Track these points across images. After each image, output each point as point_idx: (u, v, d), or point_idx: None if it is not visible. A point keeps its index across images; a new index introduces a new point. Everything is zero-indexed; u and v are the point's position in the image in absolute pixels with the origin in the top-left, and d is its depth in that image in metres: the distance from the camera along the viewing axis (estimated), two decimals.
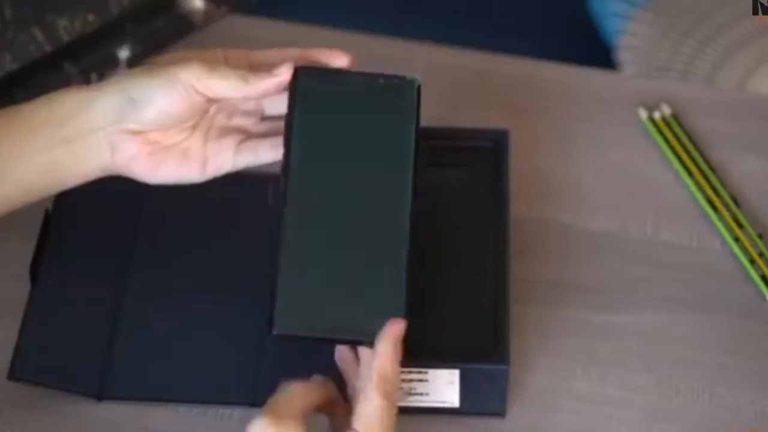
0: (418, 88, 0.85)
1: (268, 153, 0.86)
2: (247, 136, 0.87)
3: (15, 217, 0.91)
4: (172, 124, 0.84)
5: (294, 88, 0.84)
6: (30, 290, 0.95)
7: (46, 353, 0.92)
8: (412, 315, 0.81)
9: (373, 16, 1.58)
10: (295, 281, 0.82)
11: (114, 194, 0.99)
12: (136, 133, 0.84)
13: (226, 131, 0.87)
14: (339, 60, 0.86)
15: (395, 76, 0.85)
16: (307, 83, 0.84)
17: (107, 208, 1.00)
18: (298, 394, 0.79)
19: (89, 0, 1.08)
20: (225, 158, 0.87)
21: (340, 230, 0.83)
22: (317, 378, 0.83)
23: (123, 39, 1.11)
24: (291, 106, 0.84)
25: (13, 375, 0.91)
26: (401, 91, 0.85)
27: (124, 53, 1.11)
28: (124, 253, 0.97)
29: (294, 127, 0.84)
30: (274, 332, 0.81)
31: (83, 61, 1.09)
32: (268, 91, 0.83)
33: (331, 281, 0.82)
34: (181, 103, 0.82)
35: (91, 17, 1.08)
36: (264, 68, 0.84)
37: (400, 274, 0.82)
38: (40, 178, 0.84)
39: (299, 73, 0.84)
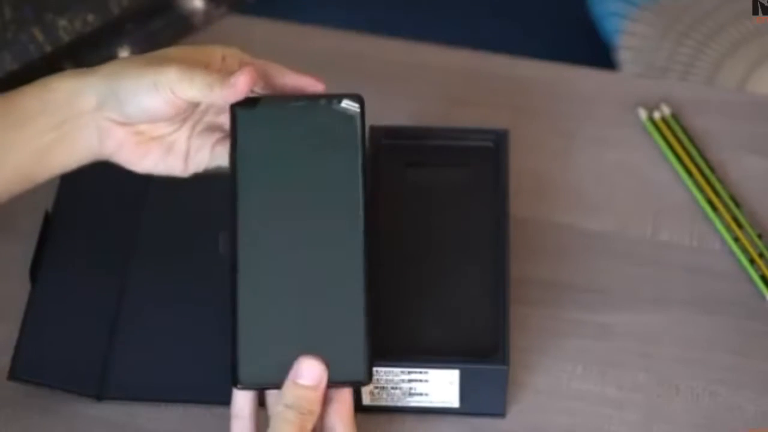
0: (362, 106, 0.83)
1: None
2: (226, 135, 0.87)
3: (15, 217, 0.91)
4: (157, 120, 0.84)
5: (234, 124, 0.83)
6: (30, 290, 0.95)
7: (46, 353, 0.92)
8: (375, 354, 0.81)
9: (373, 16, 1.58)
10: (255, 331, 0.81)
11: (113, 195, 0.99)
12: (123, 123, 0.84)
13: (211, 128, 0.88)
14: (312, 88, 0.85)
15: (338, 96, 0.83)
16: (248, 118, 0.83)
17: (107, 208, 1.00)
18: (322, 377, 0.80)
19: (89, 0, 1.08)
20: (203, 155, 0.87)
21: (296, 274, 0.81)
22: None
23: (123, 39, 1.11)
24: (233, 143, 0.83)
25: (13, 375, 0.91)
26: (345, 113, 0.83)
27: (124, 53, 1.11)
28: (124, 253, 0.97)
29: (238, 166, 0.82)
30: (239, 387, 0.81)
31: (83, 61, 1.09)
32: (229, 99, 0.82)
33: (291, 328, 0.81)
34: (164, 105, 0.83)
35: (91, 17, 1.08)
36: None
37: (359, 314, 0.81)
38: (34, 164, 0.85)
39: (236, 109, 0.83)
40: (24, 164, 0.85)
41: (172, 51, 0.86)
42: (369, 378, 0.81)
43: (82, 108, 0.84)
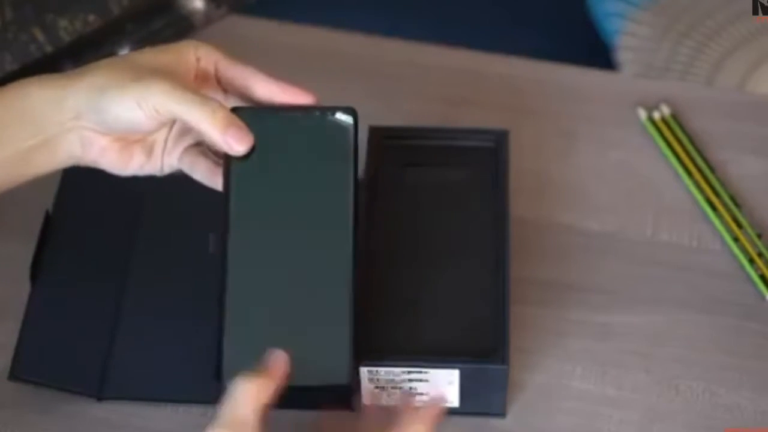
0: (355, 119, 0.83)
1: (203, 173, 0.85)
2: (197, 143, 0.86)
3: (15, 217, 0.91)
4: (139, 132, 0.83)
5: None
6: (30, 290, 0.95)
7: (46, 353, 0.92)
8: (358, 357, 0.82)
9: (372, 16, 1.58)
10: (241, 331, 0.81)
11: (114, 195, 0.99)
12: (104, 133, 0.83)
13: (182, 132, 0.86)
14: (303, 99, 0.84)
15: (331, 108, 0.83)
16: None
17: (107, 208, 1.00)
18: (251, 395, 0.78)
19: (89, 0, 1.08)
20: (173, 158, 0.86)
21: (284, 281, 0.82)
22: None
23: (123, 39, 1.11)
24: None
25: (13, 375, 0.91)
26: (339, 125, 0.83)
27: (124, 53, 1.11)
28: (124, 254, 0.97)
29: (232, 173, 0.82)
30: (224, 384, 0.81)
31: (83, 61, 1.09)
32: (218, 147, 0.82)
33: (276, 331, 0.81)
34: (147, 120, 0.81)
35: (91, 17, 1.08)
36: (230, 85, 0.84)
37: (344, 321, 0.81)
38: (14, 168, 0.83)
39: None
40: (3, 166, 0.83)
41: (145, 57, 0.83)
42: (351, 380, 0.81)
43: (61, 118, 0.82)
